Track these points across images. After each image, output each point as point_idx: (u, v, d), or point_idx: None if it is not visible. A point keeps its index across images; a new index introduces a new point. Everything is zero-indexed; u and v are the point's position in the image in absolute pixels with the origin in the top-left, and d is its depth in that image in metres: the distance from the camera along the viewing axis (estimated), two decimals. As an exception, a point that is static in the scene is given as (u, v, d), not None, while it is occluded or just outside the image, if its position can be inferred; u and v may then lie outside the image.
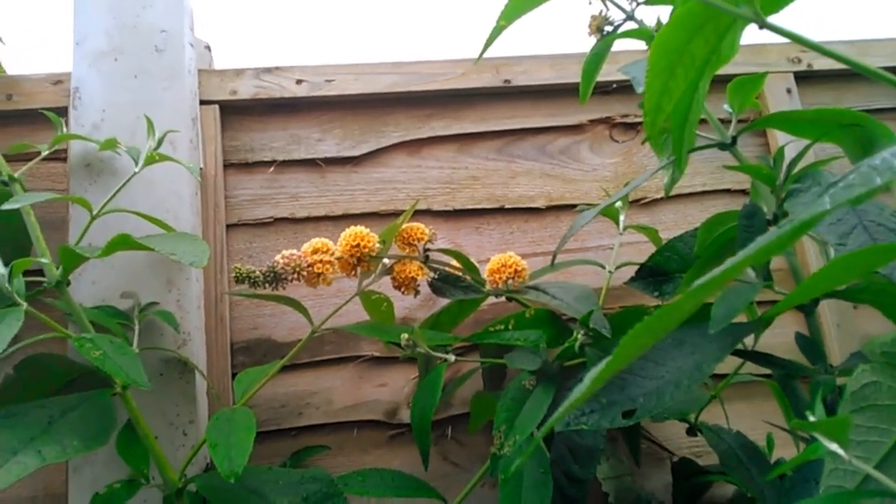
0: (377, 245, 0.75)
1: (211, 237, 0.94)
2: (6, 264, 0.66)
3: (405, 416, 0.94)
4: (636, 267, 0.81)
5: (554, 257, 0.76)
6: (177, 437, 0.82)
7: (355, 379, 0.95)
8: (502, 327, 0.68)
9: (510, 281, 0.77)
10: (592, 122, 1.09)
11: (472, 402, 0.88)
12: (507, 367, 0.90)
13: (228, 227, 0.97)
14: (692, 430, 0.86)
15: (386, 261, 0.78)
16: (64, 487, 0.86)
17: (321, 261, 0.74)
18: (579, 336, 0.67)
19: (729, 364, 0.69)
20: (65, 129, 0.86)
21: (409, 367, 0.95)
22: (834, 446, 0.38)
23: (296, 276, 0.72)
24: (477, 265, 0.82)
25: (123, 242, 0.68)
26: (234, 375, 0.91)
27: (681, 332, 0.61)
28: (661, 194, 1.05)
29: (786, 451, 0.90)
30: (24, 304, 0.64)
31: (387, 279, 0.80)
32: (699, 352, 0.60)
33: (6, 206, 0.69)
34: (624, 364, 0.34)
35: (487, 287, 0.77)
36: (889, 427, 0.42)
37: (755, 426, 0.98)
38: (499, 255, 0.78)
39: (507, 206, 1.03)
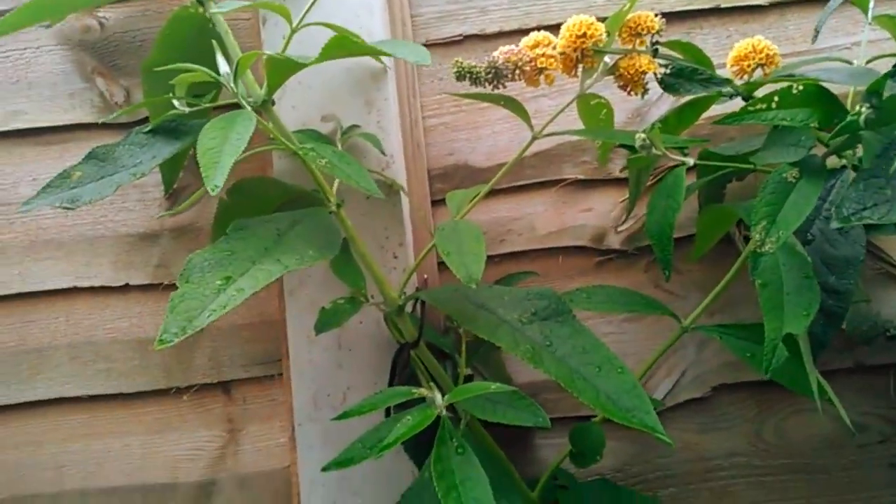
0: (604, 36, 0.67)
1: (400, 59, 0.88)
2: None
3: (613, 241, 0.88)
4: (892, 61, 0.69)
5: (816, 32, 0.64)
6: (388, 259, 0.80)
7: (558, 204, 0.89)
8: (764, 106, 0.59)
9: (758, 70, 0.67)
10: None
11: (700, 218, 0.80)
12: (728, 182, 0.82)
13: (417, 47, 0.91)
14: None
15: (607, 59, 0.70)
16: (277, 315, 0.87)
17: (543, 55, 0.66)
18: (863, 110, 0.56)
19: None
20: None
21: (617, 190, 0.88)
22: None
23: (517, 72, 0.66)
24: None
25: (340, 45, 0.63)
26: (433, 202, 0.88)
27: None
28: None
29: None
30: (250, 108, 0.61)
31: (601, 85, 0.72)
32: None
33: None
34: None
35: (734, 78, 0.67)
36: None
37: None
38: (745, 40, 0.67)
39: (722, 6, 0.90)
